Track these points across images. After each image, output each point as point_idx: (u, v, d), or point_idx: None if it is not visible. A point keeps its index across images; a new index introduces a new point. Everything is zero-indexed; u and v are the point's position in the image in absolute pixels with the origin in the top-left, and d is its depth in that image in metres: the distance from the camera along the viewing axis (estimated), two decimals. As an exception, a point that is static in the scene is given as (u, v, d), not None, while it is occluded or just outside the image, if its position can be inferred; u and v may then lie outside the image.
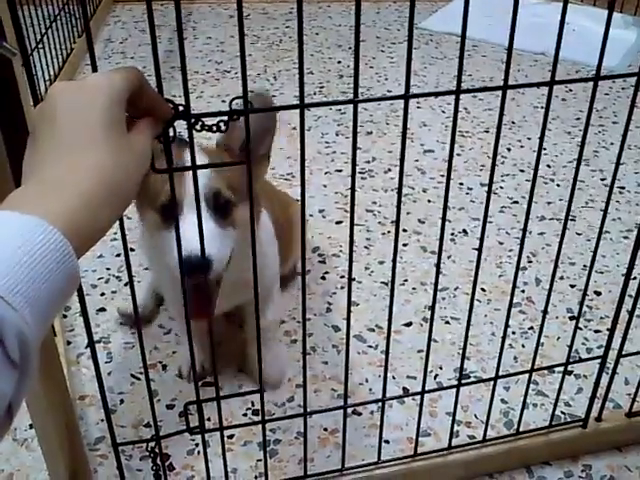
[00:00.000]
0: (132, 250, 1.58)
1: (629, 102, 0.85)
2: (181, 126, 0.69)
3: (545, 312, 1.03)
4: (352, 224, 0.83)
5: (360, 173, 1.97)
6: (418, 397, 1.06)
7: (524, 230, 0.92)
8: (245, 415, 1.26)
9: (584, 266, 1.63)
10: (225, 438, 0.98)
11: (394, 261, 0.87)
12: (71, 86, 0.58)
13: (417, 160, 2.05)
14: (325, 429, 1.23)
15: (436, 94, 0.80)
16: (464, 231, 1.75)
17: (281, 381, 1.32)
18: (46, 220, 0.47)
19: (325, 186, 1.92)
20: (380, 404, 1.05)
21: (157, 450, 0.94)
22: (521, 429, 1.16)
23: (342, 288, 1.56)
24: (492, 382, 1.09)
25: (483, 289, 1.55)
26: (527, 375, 1.10)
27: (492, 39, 2.83)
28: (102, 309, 1.48)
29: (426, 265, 1.63)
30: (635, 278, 1.04)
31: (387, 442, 1.20)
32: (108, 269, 1.59)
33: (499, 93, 0.79)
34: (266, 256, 1.21)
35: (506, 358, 1.35)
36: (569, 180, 1.93)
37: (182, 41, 0.65)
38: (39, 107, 0.57)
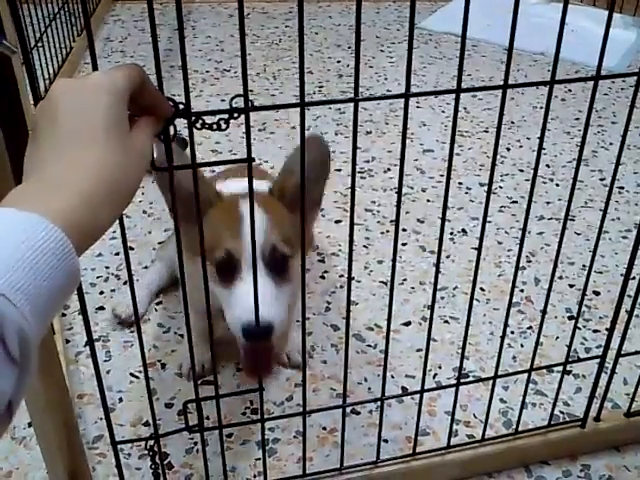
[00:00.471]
0: (131, 249, 1.59)
1: (628, 102, 0.85)
2: (181, 124, 0.69)
3: (544, 312, 1.03)
4: (352, 223, 0.83)
5: (359, 172, 1.97)
6: (417, 396, 1.06)
7: (523, 230, 0.92)
8: (244, 414, 1.26)
9: (583, 266, 1.64)
10: (224, 437, 0.98)
11: (394, 260, 0.88)
12: (73, 84, 0.57)
13: (416, 160, 2.05)
14: (324, 428, 1.24)
15: (436, 93, 0.80)
16: (463, 231, 1.75)
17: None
18: (47, 218, 0.47)
19: (324, 185, 1.91)
20: (379, 403, 1.05)
21: (156, 448, 0.94)
22: (520, 428, 1.16)
23: (341, 287, 1.56)
24: (491, 381, 1.09)
25: (482, 289, 1.55)
26: (526, 375, 1.11)
27: (491, 39, 2.83)
28: (101, 308, 1.48)
29: (425, 264, 1.64)
30: (634, 278, 1.04)
31: (386, 441, 1.20)
32: (107, 268, 1.59)
33: (499, 93, 0.80)
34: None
35: (505, 357, 1.34)
36: (568, 180, 1.93)
37: (183, 39, 0.65)
38: (41, 105, 0.57)
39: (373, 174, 1.98)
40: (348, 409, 1.24)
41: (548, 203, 1.87)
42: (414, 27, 0.70)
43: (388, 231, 1.74)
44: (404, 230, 1.74)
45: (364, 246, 1.69)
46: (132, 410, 1.26)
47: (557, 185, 1.95)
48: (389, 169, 1.99)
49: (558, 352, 1.39)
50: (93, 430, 1.22)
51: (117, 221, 0.74)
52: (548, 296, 1.01)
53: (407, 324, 1.46)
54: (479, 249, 0.92)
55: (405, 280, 1.58)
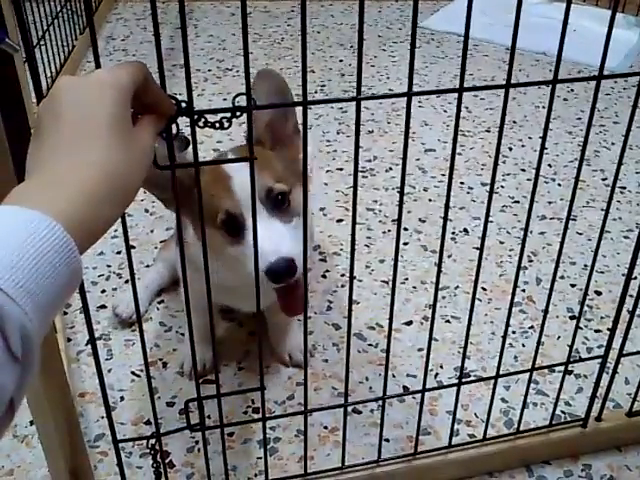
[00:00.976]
0: (133, 248, 1.59)
1: (630, 102, 0.86)
2: (183, 123, 0.69)
3: (546, 311, 1.03)
4: (354, 222, 0.83)
5: (361, 172, 1.96)
6: (418, 396, 1.06)
7: (525, 229, 0.92)
8: (245, 413, 1.26)
9: (585, 266, 1.63)
10: (225, 436, 0.98)
11: (395, 260, 0.88)
12: (77, 81, 0.57)
13: (418, 159, 2.05)
14: (325, 427, 1.24)
15: (439, 92, 0.80)
16: (465, 230, 1.75)
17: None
18: (49, 216, 0.47)
19: (326, 184, 1.92)
20: (380, 402, 1.05)
21: (157, 447, 0.94)
22: (521, 428, 1.16)
23: (343, 286, 1.56)
24: (492, 381, 1.09)
25: (484, 288, 1.55)
26: (527, 374, 1.11)
27: (493, 39, 2.83)
28: (103, 306, 1.48)
29: (427, 264, 1.63)
30: (636, 278, 1.04)
31: (387, 440, 1.20)
32: (109, 266, 1.59)
33: (501, 92, 0.80)
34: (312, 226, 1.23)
35: (506, 357, 1.34)
36: (570, 180, 1.93)
37: (185, 38, 0.65)
38: (44, 101, 0.57)
39: (375, 173, 1.98)
40: (349, 408, 1.24)
41: (550, 203, 1.86)
42: (417, 26, 0.70)
43: (390, 230, 1.74)
44: (406, 229, 1.74)
45: (366, 245, 1.69)
46: (133, 409, 1.26)
47: (559, 185, 1.94)
48: (391, 168, 1.99)
49: (560, 352, 1.39)
50: (95, 428, 1.22)
51: (119, 220, 0.75)
52: (550, 296, 1.01)
53: (408, 323, 1.46)
54: (481, 249, 0.92)
55: (407, 279, 1.58)
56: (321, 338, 1.42)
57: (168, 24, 2.81)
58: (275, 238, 0.97)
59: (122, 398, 1.28)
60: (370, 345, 1.41)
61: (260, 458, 1.16)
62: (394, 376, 1.33)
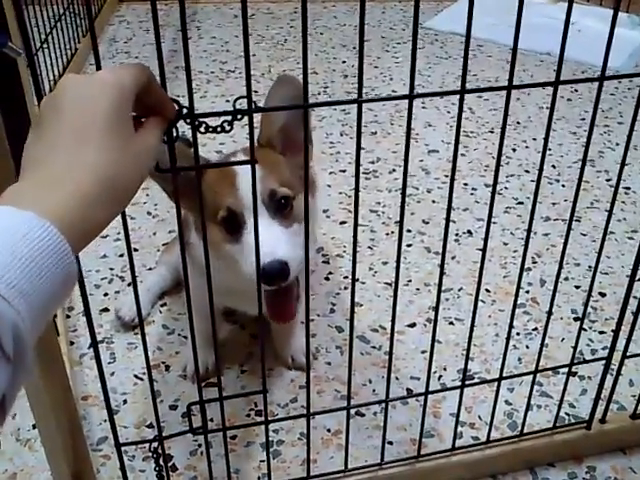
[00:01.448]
0: (136, 250, 1.59)
1: (635, 102, 0.85)
2: (184, 127, 0.68)
3: (549, 313, 1.02)
4: (356, 224, 0.83)
5: (364, 173, 1.96)
6: (422, 398, 1.06)
7: (528, 231, 0.92)
8: (248, 416, 1.26)
9: (589, 267, 1.63)
10: (228, 439, 0.98)
11: (397, 261, 0.87)
12: (80, 79, 0.57)
13: (422, 160, 2.04)
14: (328, 430, 1.23)
15: (441, 94, 0.80)
16: (468, 232, 1.75)
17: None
18: (43, 217, 0.47)
19: (329, 186, 1.91)
20: (383, 405, 1.04)
21: (160, 451, 0.94)
22: (525, 430, 1.15)
23: (346, 289, 1.56)
24: (496, 383, 1.08)
25: (487, 290, 1.55)
26: (531, 376, 1.10)
27: (497, 39, 2.82)
28: (105, 309, 1.48)
29: (430, 266, 1.63)
30: (640, 279, 1.03)
31: (390, 443, 1.20)
32: (111, 269, 1.59)
33: (504, 93, 0.79)
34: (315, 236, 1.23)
35: (510, 359, 1.34)
36: (574, 180, 1.92)
37: (186, 41, 0.64)
38: (47, 96, 0.57)
39: (378, 175, 1.97)
40: (352, 411, 1.24)
41: (554, 204, 1.86)
42: (418, 27, 0.70)
43: (393, 232, 1.73)
44: (409, 231, 1.74)
45: (369, 247, 1.69)
46: (136, 412, 1.26)
47: (563, 186, 1.94)
48: (394, 170, 1.99)
49: (564, 353, 1.38)
50: (97, 432, 1.22)
51: (122, 222, 0.75)
52: (553, 297, 1.01)
53: (412, 325, 1.46)
54: (483, 250, 0.91)
55: (410, 281, 1.58)
56: (324, 341, 1.42)
57: (171, 26, 2.81)
58: (272, 240, 0.97)
59: (125, 401, 1.28)
60: (373, 347, 1.40)
61: (263, 461, 1.16)
62: (397, 378, 1.33)
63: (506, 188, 1.93)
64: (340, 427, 1.22)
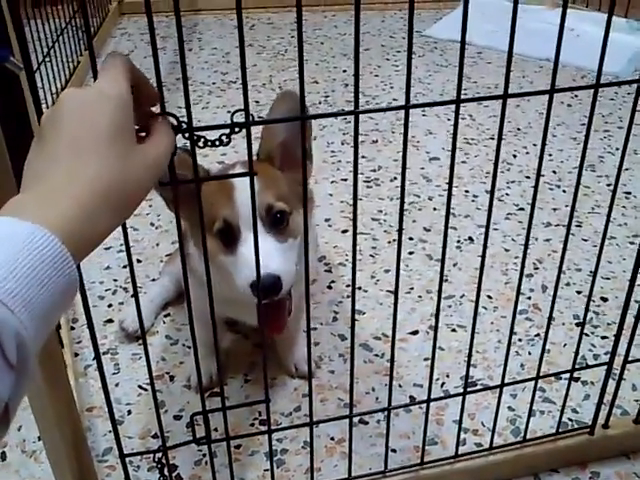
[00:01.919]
0: (139, 262, 1.60)
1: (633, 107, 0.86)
2: (182, 140, 0.69)
3: (549, 319, 1.03)
4: (355, 233, 0.83)
5: (366, 182, 1.97)
6: (424, 405, 1.06)
7: (527, 236, 0.92)
8: (252, 425, 1.26)
9: (590, 272, 1.63)
10: (232, 448, 0.98)
11: (397, 269, 0.88)
12: (79, 92, 0.58)
13: (423, 168, 2.05)
14: (332, 438, 1.24)
15: (436, 104, 0.81)
16: (470, 239, 1.75)
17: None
18: (45, 227, 0.48)
19: (331, 195, 1.92)
20: (386, 413, 1.05)
21: (164, 461, 0.94)
22: (528, 436, 1.15)
23: (348, 297, 1.56)
24: (498, 389, 1.09)
25: (489, 296, 1.55)
26: (534, 382, 1.10)
27: (497, 45, 2.83)
28: (109, 320, 1.48)
29: (432, 273, 1.63)
30: (641, 284, 1.04)
31: (394, 451, 1.20)
32: (115, 280, 1.59)
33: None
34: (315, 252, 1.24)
35: (512, 365, 1.34)
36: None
37: (183, 55, 0.65)
38: (48, 111, 0.58)
39: (379, 183, 1.98)
40: (356, 419, 1.25)
41: (555, 210, 1.86)
42: (419, 35, 0.71)
43: (394, 240, 1.74)
44: (411, 239, 1.74)
45: (370, 255, 1.69)
46: (141, 422, 1.27)
47: (564, 192, 1.94)
48: (395, 178, 2.00)
49: (566, 359, 1.38)
50: (102, 443, 1.23)
51: (123, 234, 0.76)
52: (553, 303, 1.01)
53: (414, 333, 1.46)
54: (482, 257, 0.92)
55: (412, 289, 1.58)
56: (327, 349, 1.42)
57: (173, 37, 2.83)
58: (266, 254, 0.97)
59: (129, 412, 1.29)
60: (376, 355, 1.41)
61: (267, 470, 1.16)
62: (400, 386, 1.33)
63: (507, 194, 1.93)
64: (343, 435, 1.22)
